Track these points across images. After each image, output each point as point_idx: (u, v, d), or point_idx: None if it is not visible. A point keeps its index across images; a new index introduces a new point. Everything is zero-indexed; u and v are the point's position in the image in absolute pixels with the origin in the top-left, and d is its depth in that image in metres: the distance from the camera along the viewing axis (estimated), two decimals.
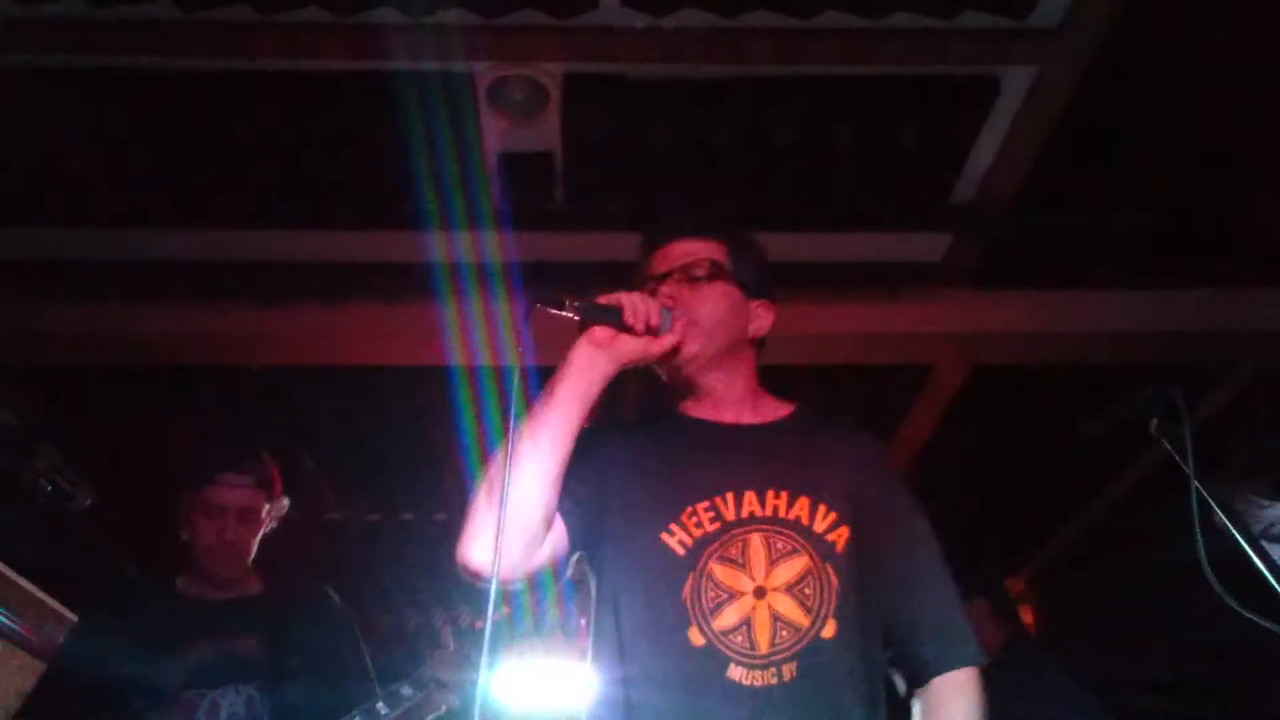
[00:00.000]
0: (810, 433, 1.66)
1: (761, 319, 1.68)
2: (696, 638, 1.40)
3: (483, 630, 2.34)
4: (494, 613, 1.33)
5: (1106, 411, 1.65)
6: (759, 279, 1.70)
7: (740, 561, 1.45)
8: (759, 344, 1.70)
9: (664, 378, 1.68)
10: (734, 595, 1.43)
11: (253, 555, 2.51)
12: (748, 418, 1.64)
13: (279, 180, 2.70)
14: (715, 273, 1.63)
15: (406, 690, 2.28)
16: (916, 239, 2.96)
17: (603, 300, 1.53)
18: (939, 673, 1.50)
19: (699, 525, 1.48)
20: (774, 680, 1.37)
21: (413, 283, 2.92)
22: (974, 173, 2.68)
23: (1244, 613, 1.38)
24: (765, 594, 1.43)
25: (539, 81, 2.41)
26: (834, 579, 1.45)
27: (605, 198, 2.78)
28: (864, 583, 1.48)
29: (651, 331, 1.52)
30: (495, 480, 1.40)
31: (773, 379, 1.72)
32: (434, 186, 2.68)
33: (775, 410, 1.68)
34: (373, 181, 2.70)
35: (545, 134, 2.57)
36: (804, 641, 1.40)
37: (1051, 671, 3.02)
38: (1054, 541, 4.68)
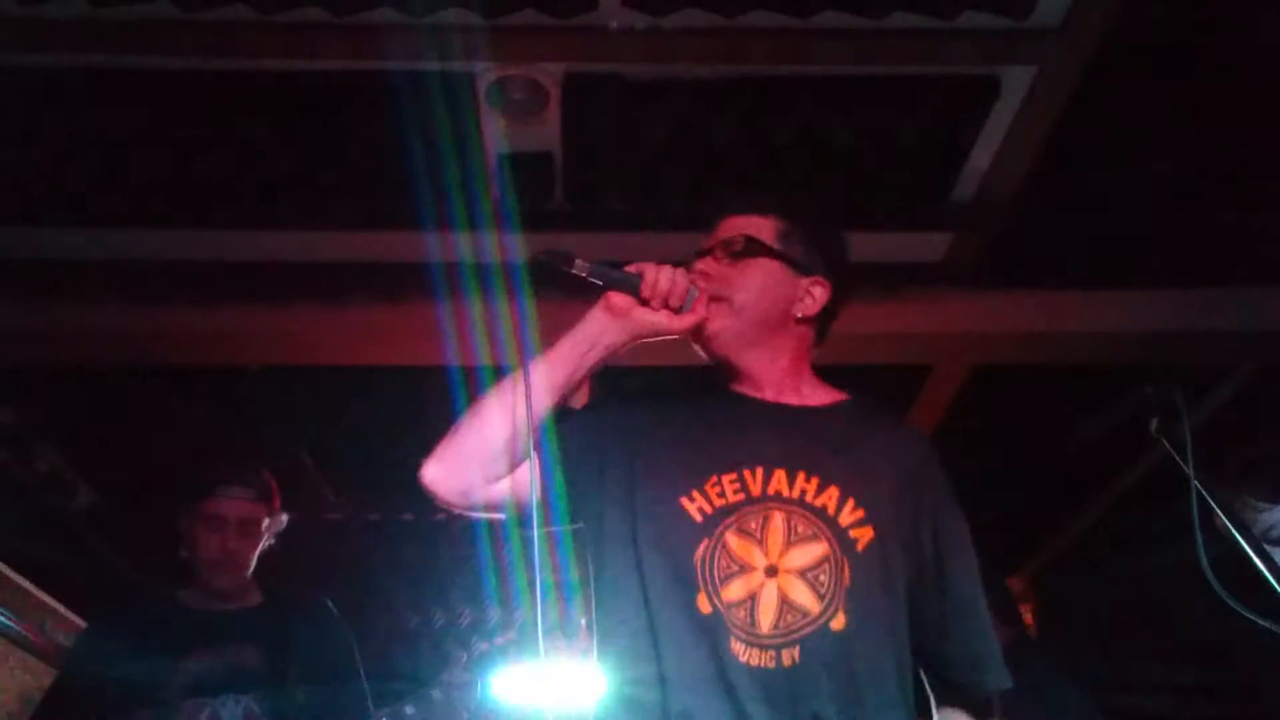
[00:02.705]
0: (855, 424, 1.58)
1: (813, 297, 1.59)
2: (704, 604, 1.37)
3: (490, 653, 2.32)
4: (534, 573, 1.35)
5: (1106, 411, 1.65)
6: (815, 256, 1.61)
7: (757, 536, 1.40)
8: (814, 323, 1.62)
9: (704, 355, 1.61)
10: (745, 568, 1.38)
11: (252, 568, 2.53)
12: (790, 399, 1.57)
13: (279, 180, 2.69)
14: (754, 249, 1.57)
15: (409, 710, 2.30)
16: (916, 239, 2.96)
17: (627, 269, 1.48)
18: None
19: (721, 495, 1.44)
20: (772, 663, 1.33)
21: (413, 283, 2.91)
22: (974, 173, 2.68)
23: (1244, 613, 1.38)
24: (776, 573, 1.38)
25: (539, 81, 2.41)
26: (847, 574, 1.39)
27: (605, 198, 2.77)
28: (888, 587, 1.43)
29: (670, 308, 1.47)
30: (465, 416, 1.48)
31: None
32: (434, 186, 2.68)
33: (822, 396, 1.61)
34: (373, 181, 2.70)
35: (545, 134, 2.56)
36: (811, 628, 1.35)
37: (1051, 674, 3.02)
38: (1054, 541, 4.68)
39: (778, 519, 1.41)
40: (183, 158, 2.63)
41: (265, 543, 2.57)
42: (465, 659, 2.41)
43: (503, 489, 1.49)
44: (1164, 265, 2.98)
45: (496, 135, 2.57)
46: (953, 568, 1.52)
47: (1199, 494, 1.48)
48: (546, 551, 1.53)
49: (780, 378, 1.58)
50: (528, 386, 1.43)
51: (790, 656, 1.33)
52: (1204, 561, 1.42)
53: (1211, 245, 2.91)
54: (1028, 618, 4.73)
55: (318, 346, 3.10)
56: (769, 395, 1.57)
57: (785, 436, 1.50)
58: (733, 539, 1.40)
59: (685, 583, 1.38)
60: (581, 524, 1.52)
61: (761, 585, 1.37)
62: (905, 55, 2.37)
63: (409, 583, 4.95)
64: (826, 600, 1.36)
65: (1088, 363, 3.18)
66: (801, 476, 1.44)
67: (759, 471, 1.45)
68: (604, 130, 2.55)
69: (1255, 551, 1.42)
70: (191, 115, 2.50)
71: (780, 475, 1.44)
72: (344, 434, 3.84)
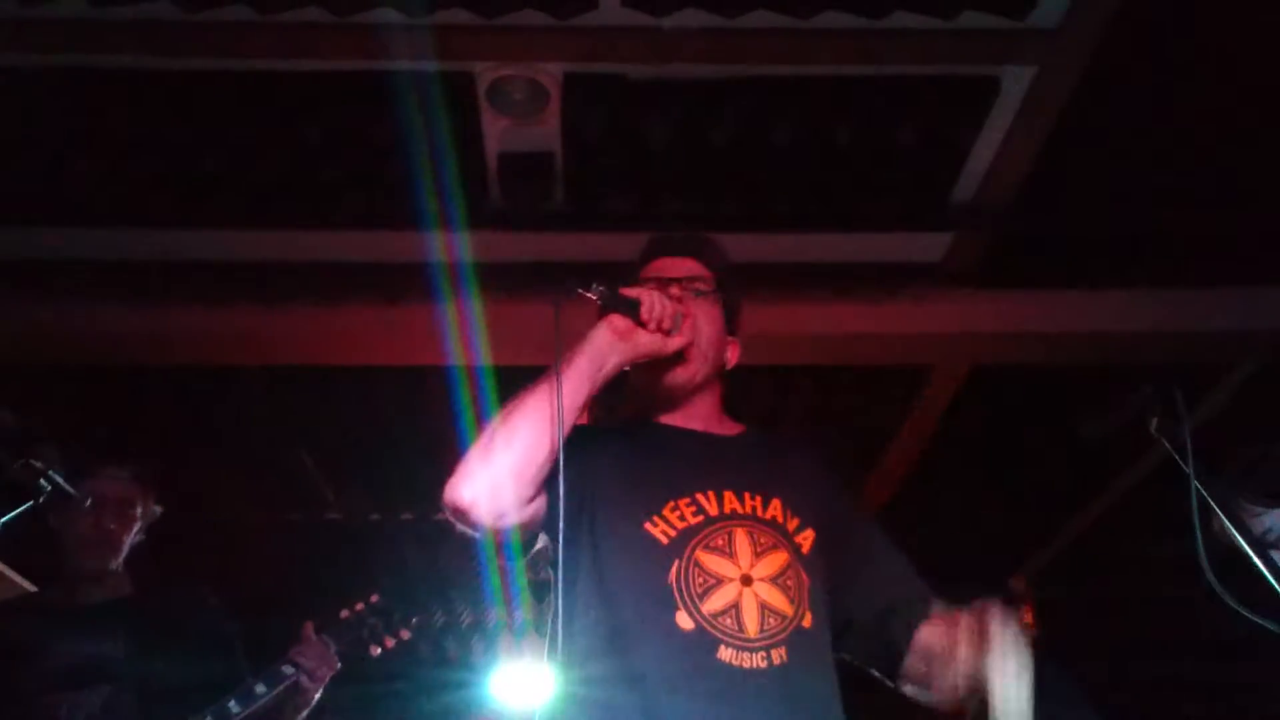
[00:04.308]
0: (764, 445, 1.76)
1: (733, 354, 1.77)
2: (685, 621, 1.43)
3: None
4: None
5: (1106, 412, 1.65)
6: (736, 316, 1.78)
7: (727, 551, 1.50)
8: (727, 376, 1.79)
9: (642, 386, 1.71)
10: (721, 581, 1.47)
11: (124, 554, 2.46)
12: (716, 430, 1.72)
13: (279, 180, 2.70)
14: (714, 292, 1.71)
15: (260, 688, 2.22)
16: (916, 239, 2.96)
17: (626, 292, 1.56)
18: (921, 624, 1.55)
19: (682, 518, 1.53)
20: (764, 664, 1.41)
21: (413, 283, 2.92)
22: (974, 173, 2.68)
23: (1244, 612, 1.38)
24: (751, 582, 1.48)
25: (539, 81, 2.41)
26: (805, 577, 1.52)
27: (605, 198, 2.78)
28: (828, 580, 1.55)
29: (663, 331, 1.57)
30: (495, 432, 1.48)
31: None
32: (434, 186, 2.68)
33: (733, 429, 1.76)
34: (373, 181, 2.70)
35: (545, 134, 2.57)
36: (790, 628, 1.45)
37: (1047, 672, 3.02)
38: (1054, 542, 4.68)
39: (741, 534, 1.52)
40: (183, 158, 2.63)
41: (137, 533, 2.48)
42: (313, 630, 2.30)
43: (531, 510, 1.50)
44: (1164, 265, 2.98)
45: (496, 135, 2.57)
46: (862, 521, 1.73)
47: (1199, 494, 1.48)
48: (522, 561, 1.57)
49: (708, 413, 1.72)
50: (561, 401, 1.46)
51: (779, 656, 1.42)
52: (1204, 561, 1.42)
53: (1211, 245, 2.91)
54: (1027, 617, 4.73)
55: (318, 346, 3.11)
56: (698, 427, 1.70)
57: (722, 462, 1.63)
58: (704, 556, 1.49)
59: (661, 601, 1.45)
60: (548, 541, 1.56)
61: (740, 594, 1.46)
62: (905, 55, 2.37)
63: (409, 582, 4.95)
64: (796, 602, 1.48)
65: (1088, 363, 3.18)
66: (748, 495, 1.58)
67: (710, 495, 1.56)
68: (604, 130, 2.56)
69: (1255, 551, 1.43)
70: (191, 115, 2.50)
71: (730, 496, 1.57)
72: (344, 434, 3.84)
